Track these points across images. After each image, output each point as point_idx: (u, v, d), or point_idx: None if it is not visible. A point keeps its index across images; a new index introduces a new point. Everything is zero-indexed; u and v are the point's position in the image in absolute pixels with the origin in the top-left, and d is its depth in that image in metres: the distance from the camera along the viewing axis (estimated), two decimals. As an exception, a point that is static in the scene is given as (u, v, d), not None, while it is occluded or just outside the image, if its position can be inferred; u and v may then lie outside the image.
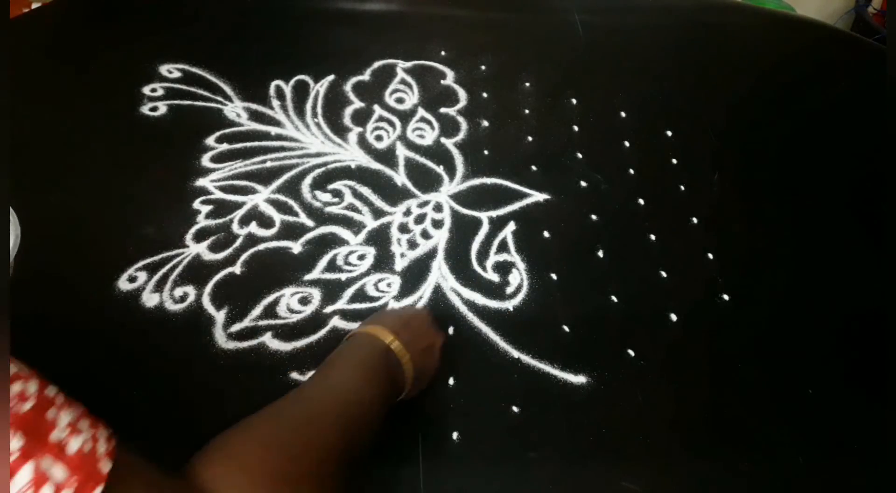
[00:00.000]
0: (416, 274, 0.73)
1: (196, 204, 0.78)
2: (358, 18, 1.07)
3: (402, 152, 0.87)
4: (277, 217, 0.78)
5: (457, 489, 0.58)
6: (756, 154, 0.90)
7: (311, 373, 0.61)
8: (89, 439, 0.29)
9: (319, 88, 0.95)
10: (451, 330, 0.68)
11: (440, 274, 0.73)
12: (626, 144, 0.90)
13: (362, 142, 0.88)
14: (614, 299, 0.72)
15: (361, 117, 0.91)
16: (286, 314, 0.68)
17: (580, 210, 0.81)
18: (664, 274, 0.74)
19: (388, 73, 0.98)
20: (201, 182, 0.81)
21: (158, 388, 0.61)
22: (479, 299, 0.71)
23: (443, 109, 0.93)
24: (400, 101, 0.94)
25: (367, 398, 0.49)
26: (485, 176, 0.84)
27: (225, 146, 0.86)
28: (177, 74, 0.95)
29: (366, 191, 0.81)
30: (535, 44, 1.06)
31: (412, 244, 0.76)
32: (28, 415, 0.27)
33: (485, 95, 0.96)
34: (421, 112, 0.92)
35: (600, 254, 0.76)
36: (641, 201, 0.82)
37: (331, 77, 0.96)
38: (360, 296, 0.71)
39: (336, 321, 0.68)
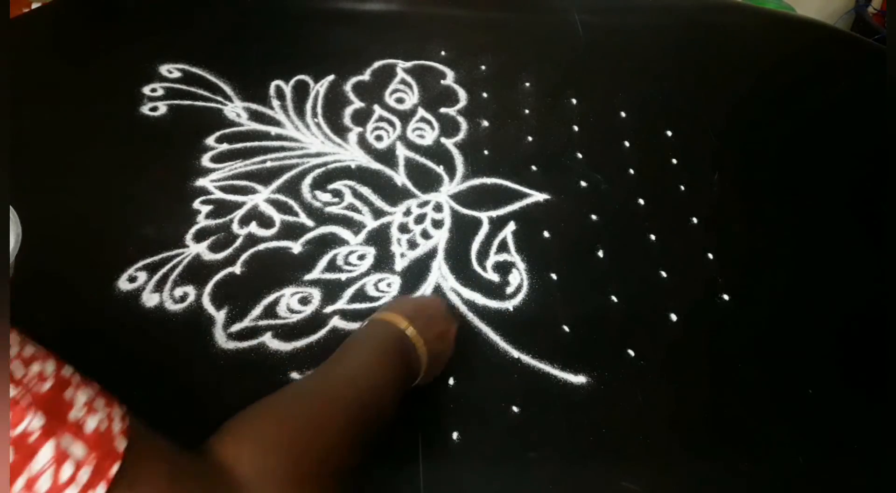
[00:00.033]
0: (416, 274, 0.73)
1: (196, 204, 0.78)
2: (358, 18, 1.07)
3: (402, 152, 0.87)
4: (277, 217, 0.78)
5: (457, 489, 0.58)
6: (756, 154, 0.90)
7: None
8: (105, 417, 0.30)
9: (319, 88, 0.95)
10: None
11: (440, 274, 0.73)
12: (626, 144, 0.90)
13: (362, 142, 0.88)
14: (614, 299, 0.72)
15: (361, 117, 0.91)
16: (286, 314, 0.68)
17: (580, 210, 0.81)
18: (664, 274, 0.74)
19: (388, 73, 0.98)
20: (201, 182, 0.81)
21: (158, 388, 0.61)
22: (479, 299, 0.71)
23: (443, 109, 0.93)
24: (400, 101, 0.94)
25: (383, 382, 0.50)
26: (485, 176, 0.84)
27: (225, 146, 0.86)
28: (177, 74, 0.95)
29: (366, 191, 0.81)
30: (535, 44, 1.06)
31: (412, 244, 0.76)
32: (47, 395, 0.28)
33: (485, 95, 0.96)
34: (421, 112, 0.92)
35: (600, 254, 0.76)
36: (641, 201, 0.82)
37: (331, 77, 0.96)
38: (360, 296, 0.71)
39: (336, 321, 0.68)
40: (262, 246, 0.75)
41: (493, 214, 0.80)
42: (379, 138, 0.88)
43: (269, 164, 0.84)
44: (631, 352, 0.67)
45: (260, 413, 0.42)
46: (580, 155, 0.88)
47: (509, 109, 0.94)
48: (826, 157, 0.90)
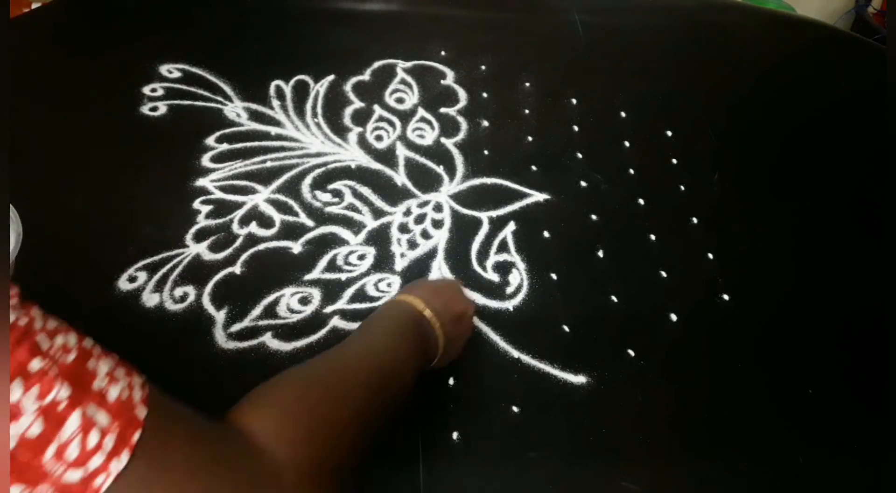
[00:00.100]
0: (416, 274, 0.73)
1: (196, 204, 0.78)
2: (358, 18, 1.07)
3: (402, 152, 0.87)
4: (277, 217, 0.78)
5: (457, 489, 0.58)
6: (756, 154, 0.90)
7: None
8: (126, 386, 0.30)
9: (319, 88, 0.95)
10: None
11: (440, 274, 0.73)
12: (626, 144, 0.90)
13: (362, 142, 0.88)
14: (614, 299, 0.72)
15: (361, 117, 0.91)
16: (286, 314, 0.68)
17: (580, 210, 0.81)
18: (664, 274, 0.74)
19: (388, 73, 0.98)
20: (201, 182, 0.81)
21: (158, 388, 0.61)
22: (479, 298, 0.71)
23: (443, 109, 0.93)
24: (400, 101, 0.94)
25: (402, 359, 0.50)
26: (485, 176, 0.84)
27: (225, 146, 0.86)
28: (177, 74, 0.95)
29: (366, 191, 0.81)
30: (535, 44, 1.06)
31: (412, 244, 0.76)
32: (72, 366, 0.29)
33: (485, 95, 0.96)
34: (421, 112, 0.92)
35: (600, 254, 0.76)
36: (641, 201, 0.82)
37: (331, 77, 0.96)
38: (361, 296, 0.71)
39: (336, 321, 0.68)
40: (262, 246, 0.75)
41: (493, 214, 0.80)
42: (379, 138, 0.88)
43: (269, 164, 0.84)
44: (631, 352, 0.67)
45: (281, 383, 0.43)
46: (580, 155, 0.88)
47: (509, 109, 0.94)
48: (826, 157, 0.90)
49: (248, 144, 0.86)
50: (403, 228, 0.78)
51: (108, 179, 0.81)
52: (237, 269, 0.72)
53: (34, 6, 1.17)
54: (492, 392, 0.63)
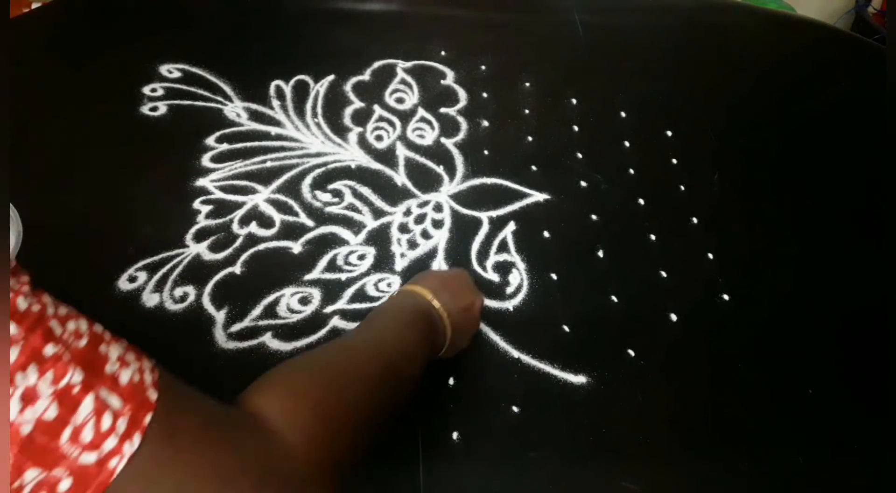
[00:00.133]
0: (416, 274, 0.73)
1: (196, 204, 0.78)
2: (358, 18, 1.07)
3: (402, 152, 0.87)
4: (277, 217, 0.78)
5: (457, 489, 0.58)
6: (756, 154, 0.90)
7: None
8: (137, 370, 0.31)
9: (319, 88, 0.95)
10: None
11: (440, 274, 0.73)
12: (626, 144, 0.90)
13: (362, 142, 0.88)
14: (614, 299, 0.72)
15: (361, 117, 0.91)
16: (286, 314, 0.68)
17: (580, 210, 0.81)
18: (664, 274, 0.74)
19: (388, 73, 0.98)
20: (201, 182, 0.81)
21: (158, 388, 0.61)
22: (479, 299, 0.71)
23: (443, 109, 0.93)
24: (400, 101, 0.94)
25: (410, 348, 0.51)
26: (485, 176, 0.84)
27: (225, 146, 0.86)
28: (177, 74, 0.95)
29: (366, 191, 0.81)
30: (535, 44, 1.06)
31: (412, 244, 0.76)
32: (84, 350, 0.29)
33: (485, 95, 0.96)
34: (421, 112, 0.92)
35: (600, 254, 0.76)
36: (641, 201, 0.82)
37: (331, 77, 0.96)
38: (361, 296, 0.71)
39: (336, 321, 0.68)
40: (262, 246, 0.75)
41: (493, 214, 0.80)
42: (379, 138, 0.88)
43: (269, 164, 0.84)
44: (631, 352, 0.67)
45: (291, 368, 0.43)
46: (580, 155, 0.88)
47: (509, 109, 0.94)
48: (826, 157, 0.90)
49: (248, 144, 0.86)
50: (403, 228, 0.78)
51: (108, 179, 0.81)
52: (237, 269, 0.72)
53: (34, 6, 1.17)
54: (492, 392, 0.63)
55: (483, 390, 0.64)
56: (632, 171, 0.86)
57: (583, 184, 0.84)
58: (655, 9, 1.14)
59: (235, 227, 0.76)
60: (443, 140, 0.89)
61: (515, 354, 0.66)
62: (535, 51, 1.04)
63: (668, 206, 0.82)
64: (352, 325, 0.68)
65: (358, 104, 0.93)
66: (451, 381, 0.64)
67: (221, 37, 1.03)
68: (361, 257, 0.74)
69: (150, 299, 0.69)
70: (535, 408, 0.62)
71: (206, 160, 0.84)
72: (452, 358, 0.62)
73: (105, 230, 0.76)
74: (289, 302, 0.70)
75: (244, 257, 0.73)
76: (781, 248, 0.78)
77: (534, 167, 0.86)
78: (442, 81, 0.97)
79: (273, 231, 0.76)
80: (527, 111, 0.94)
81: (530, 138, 0.90)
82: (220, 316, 0.68)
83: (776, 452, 0.60)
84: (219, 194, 0.80)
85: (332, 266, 0.73)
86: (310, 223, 0.77)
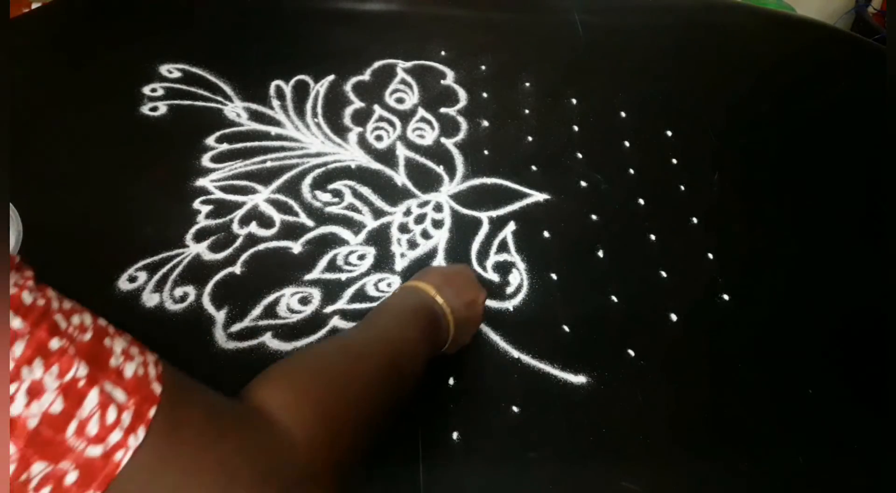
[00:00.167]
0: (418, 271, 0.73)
1: (196, 204, 0.78)
2: (358, 18, 1.07)
3: (402, 152, 0.87)
4: (277, 217, 0.78)
5: (457, 489, 0.58)
6: (756, 154, 0.90)
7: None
8: (141, 364, 0.31)
9: (319, 88, 0.95)
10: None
11: (440, 274, 0.73)
12: (626, 144, 0.90)
13: (362, 142, 0.88)
14: (614, 299, 0.72)
15: (361, 117, 0.91)
16: (286, 314, 0.68)
17: (580, 210, 0.81)
18: (664, 274, 0.74)
19: (388, 73, 0.98)
20: (201, 182, 0.81)
21: (158, 388, 0.61)
22: (479, 299, 0.71)
23: (443, 109, 0.93)
24: (400, 101, 0.94)
25: (413, 345, 0.51)
26: (485, 176, 0.84)
27: (225, 146, 0.86)
28: (177, 74, 0.95)
29: (366, 191, 0.81)
30: (535, 44, 1.06)
31: (412, 244, 0.76)
32: (89, 344, 0.29)
33: (485, 95, 0.96)
34: (421, 112, 0.92)
35: (600, 254, 0.76)
36: (641, 201, 0.82)
37: (331, 77, 0.96)
38: (361, 296, 0.71)
39: (336, 321, 0.68)
40: (262, 246, 0.75)
41: (493, 214, 0.80)
42: (379, 138, 0.88)
43: (269, 164, 0.84)
44: (631, 352, 0.67)
45: (294, 362, 0.43)
46: (580, 155, 0.88)
47: (509, 109, 0.94)
48: (826, 157, 0.90)
49: (248, 144, 0.86)
50: (403, 228, 0.78)
51: (108, 179, 0.81)
52: (237, 269, 0.72)
53: (34, 6, 1.17)
54: (492, 392, 0.63)
55: (483, 390, 0.64)
56: (632, 171, 0.86)
57: (583, 184, 0.84)
58: (655, 9, 1.14)
59: (235, 227, 0.76)
60: (443, 140, 0.89)
61: (515, 354, 0.66)
62: (535, 51, 1.04)
63: (668, 206, 0.82)
64: (352, 325, 0.68)
65: (358, 104, 0.93)
66: (451, 381, 0.64)
67: (221, 37, 1.03)
68: (361, 257, 0.74)
69: (150, 299, 0.69)
70: (535, 408, 0.62)
71: (206, 160, 0.84)
72: (453, 358, 0.62)
73: (105, 230, 0.76)
74: (289, 302, 0.70)
75: (244, 257, 0.73)
76: (781, 248, 0.78)
77: (534, 167, 0.86)
78: (442, 81, 0.97)
79: (273, 231, 0.76)
80: (527, 111, 0.94)
81: (530, 138, 0.90)
82: (220, 316, 0.68)
83: (776, 452, 0.60)
84: (219, 194, 0.80)
85: (332, 266, 0.73)
86: (310, 223, 0.77)
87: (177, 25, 1.04)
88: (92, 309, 0.32)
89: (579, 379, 0.64)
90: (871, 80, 1.01)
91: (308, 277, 0.72)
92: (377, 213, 0.79)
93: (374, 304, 0.69)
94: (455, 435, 0.60)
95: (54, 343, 0.28)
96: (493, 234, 0.77)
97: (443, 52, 1.02)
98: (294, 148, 0.86)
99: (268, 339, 0.66)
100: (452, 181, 0.83)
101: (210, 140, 0.86)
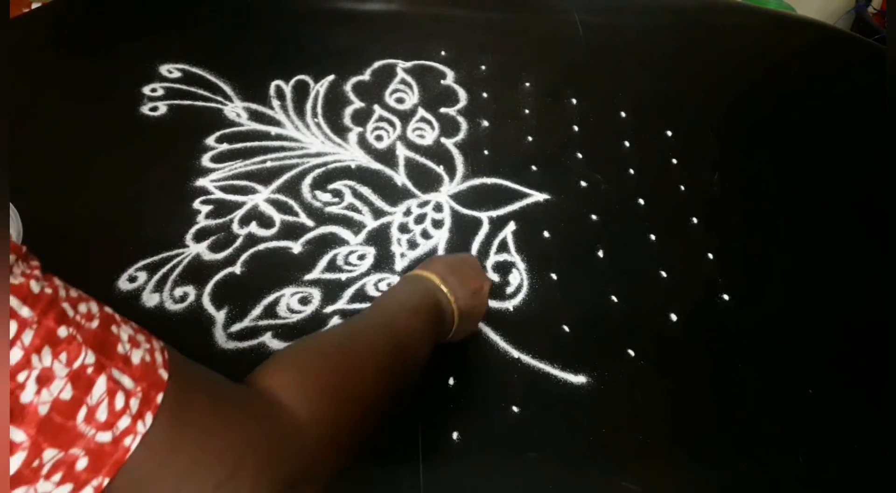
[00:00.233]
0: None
1: (196, 204, 0.78)
2: (358, 18, 1.07)
3: (402, 152, 0.87)
4: (277, 217, 0.78)
5: (457, 489, 0.58)
6: (756, 154, 0.90)
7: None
8: (147, 351, 0.32)
9: (319, 88, 0.95)
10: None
11: (440, 274, 0.73)
12: (626, 144, 0.90)
13: (362, 142, 0.88)
14: (614, 299, 0.72)
15: (361, 117, 0.91)
16: (286, 314, 0.68)
17: (580, 210, 0.81)
18: (664, 274, 0.74)
19: (388, 73, 0.98)
20: (201, 182, 0.81)
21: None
22: (479, 299, 0.71)
23: (443, 109, 0.93)
24: (400, 101, 0.94)
25: (417, 333, 0.51)
26: (485, 176, 0.84)
27: (225, 146, 0.86)
28: (177, 74, 0.95)
29: (366, 191, 0.81)
30: (535, 44, 1.06)
31: (412, 244, 0.76)
32: (96, 332, 0.30)
33: (485, 95, 0.96)
34: (421, 112, 0.92)
35: (600, 254, 0.76)
36: (641, 201, 0.82)
37: (331, 77, 0.96)
38: (361, 296, 0.71)
39: (336, 321, 0.68)
40: (262, 246, 0.75)
41: (493, 214, 0.80)
42: (379, 138, 0.88)
43: (269, 164, 0.84)
44: (631, 352, 0.67)
45: (300, 348, 0.44)
46: (580, 155, 0.88)
47: (509, 109, 0.94)
48: (826, 157, 0.90)
49: (248, 144, 0.86)
50: (403, 228, 0.78)
51: (108, 179, 0.81)
52: (237, 269, 0.72)
53: (34, 6, 1.17)
54: (492, 392, 0.63)
55: (483, 390, 0.64)
56: (632, 171, 0.86)
57: (583, 184, 0.84)
58: (655, 9, 1.14)
59: (235, 227, 0.76)
60: (443, 140, 0.89)
61: (515, 354, 0.66)
62: (535, 51, 1.04)
63: (668, 206, 0.82)
64: (352, 325, 0.68)
65: (358, 104, 0.93)
66: (451, 381, 0.64)
67: (221, 37, 1.03)
68: (361, 257, 0.74)
69: (150, 299, 0.69)
70: (535, 408, 0.62)
71: (206, 160, 0.84)
72: (453, 358, 0.62)
73: (105, 230, 0.76)
74: (289, 302, 0.70)
75: (244, 256, 0.73)
76: (781, 248, 0.78)
77: (534, 167, 0.86)
78: (442, 81, 0.97)
79: (273, 231, 0.76)
80: (527, 111, 0.94)
81: (530, 138, 0.90)
82: (220, 316, 0.68)
83: (776, 452, 0.60)
84: (219, 194, 0.80)
85: (332, 266, 0.73)
86: (310, 223, 0.77)
87: (177, 25, 1.04)
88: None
89: (579, 379, 0.64)
90: (871, 80, 1.01)
91: (308, 277, 0.72)
92: (377, 213, 0.79)
93: (374, 304, 0.70)
94: (455, 435, 0.60)
95: (62, 331, 0.28)
96: (493, 234, 0.77)
97: (443, 52, 1.02)
98: (294, 148, 0.86)
99: (268, 339, 0.66)
100: (452, 181, 0.83)
101: (210, 140, 0.86)
